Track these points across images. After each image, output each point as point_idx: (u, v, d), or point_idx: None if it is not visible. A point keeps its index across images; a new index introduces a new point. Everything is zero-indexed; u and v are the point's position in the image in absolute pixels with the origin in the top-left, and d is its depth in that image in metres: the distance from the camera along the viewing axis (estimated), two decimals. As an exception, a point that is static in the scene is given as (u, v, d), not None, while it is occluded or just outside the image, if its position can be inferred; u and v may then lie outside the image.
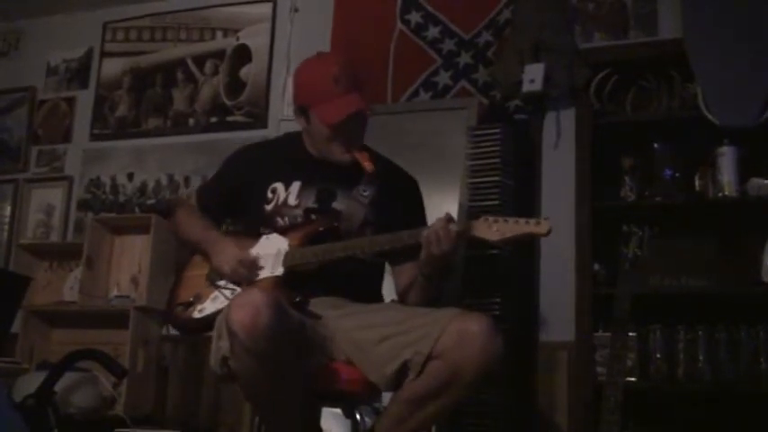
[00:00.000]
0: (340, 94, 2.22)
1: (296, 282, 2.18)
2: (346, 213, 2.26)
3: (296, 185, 2.31)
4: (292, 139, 2.47)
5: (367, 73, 3.76)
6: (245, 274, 2.21)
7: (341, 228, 2.23)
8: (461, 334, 1.90)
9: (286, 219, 2.29)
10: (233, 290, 2.22)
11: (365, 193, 2.28)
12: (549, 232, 1.95)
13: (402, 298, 2.28)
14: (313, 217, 2.27)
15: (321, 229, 2.22)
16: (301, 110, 2.31)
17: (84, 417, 3.36)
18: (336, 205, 2.28)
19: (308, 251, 2.19)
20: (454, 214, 2.10)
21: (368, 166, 2.23)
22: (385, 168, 2.33)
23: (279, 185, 2.32)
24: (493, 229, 1.98)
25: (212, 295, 2.25)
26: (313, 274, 2.19)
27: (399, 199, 2.34)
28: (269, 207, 2.31)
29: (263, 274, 2.21)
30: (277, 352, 1.88)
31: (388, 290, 2.39)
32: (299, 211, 2.28)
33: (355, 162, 2.26)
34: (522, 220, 1.98)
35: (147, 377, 3.85)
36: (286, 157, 2.40)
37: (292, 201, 2.30)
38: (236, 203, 2.41)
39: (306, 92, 2.30)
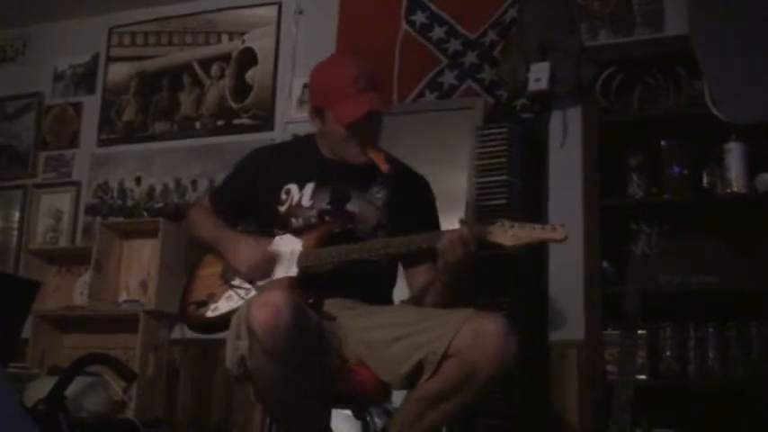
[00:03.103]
0: (357, 93, 2.22)
1: (309, 283, 2.18)
2: (360, 215, 2.26)
3: (309, 187, 2.31)
4: (306, 141, 2.47)
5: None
6: (263, 272, 2.21)
7: (355, 230, 2.23)
8: (476, 334, 1.90)
9: (300, 220, 2.29)
10: (247, 289, 2.22)
11: (378, 195, 2.28)
12: (565, 239, 1.96)
13: (416, 301, 2.28)
14: (327, 219, 2.27)
15: (336, 230, 2.23)
16: (317, 110, 2.31)
17: (95, 421, 3.37)
18: (350, 207, 2.29)
19: (322, 252, 2.19)
20: (461, 214, 2.11)
21: (384, 166, 2.24)
22: (398, 170, 2.33)
23: (293, 187, 2.32)
24: (509, 234, 1.99)
25: (226, 294, 2.25)
26: (326, 276, 2.19)
27: (412, 201, 2.34)
28: (283, 208, 2.31)
29: (278, 274, 2.21)
30: (295, 352, 1.88)
31: (400, 293, 2.39)
32: (312, 213, 2.28)
33: (370, 163, 2.26)
34: (538, 226, 1.99)
35: (157, 381, 3.86)
36: (300, 159, 2.40)
37: (306, 202, 2.30)
38: (249, 205, 2.42)
39: (323, 92, 2.30)
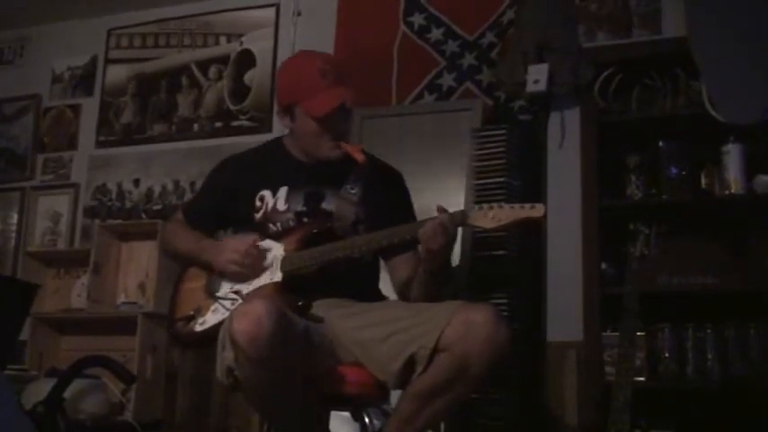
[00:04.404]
0: (327, 86, 2.22)
1: (295, 286, 2.18)
2: (337, 213, 2.26)
3: (283, 191, 2.30)
4: (274, 145, 2.47)
5: (371, 75, 3.80)
6: (252, 265, 2.19)
7: (334, 227, 2.23)
8: (466, 325, 1.91)
9: (278, 224, 2.28)
10: (233, 300, 2.21)
11: (353, 191, 2.28)
12: (544, 216, 1.98)
13: (402, 293, 2.28)
14: (305, 220, 2.26)
15: (315, 230, 2.22)
16: (286, 109, 2.30)
17: (94, 423, 3.37)
18: (326, 206, 2.28)
19: (304, 254, 2.19)
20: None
21: (359, 156, 2.23)
22: (370, 164, 2.33)
23: (266, 193, 2.32)
24: (489, 217, 2.00)
25: (212, 307, 2.24)
26: (312, 277, 2.19)
27: (387, 194, 2.35)
28: (259, 215, 2.31)
29: (262, 281, 2.21)
30: (281, 360, 1.88)
31: (386, 288, 2.40)
32: (289, 216, 2.28)
33: (343, 158, 2.25)
34: (517, 206, 2.01)
35: (155, 383, 3.85)
36: (270, 164, 2.39)
37: (281, 206, 2.29)
38: (224, 215, 2.41)
39: (291, 89, 2.29)
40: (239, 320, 1.86)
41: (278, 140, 2.45)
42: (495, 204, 2.02)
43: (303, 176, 2.31)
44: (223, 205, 2.40)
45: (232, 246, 2.23)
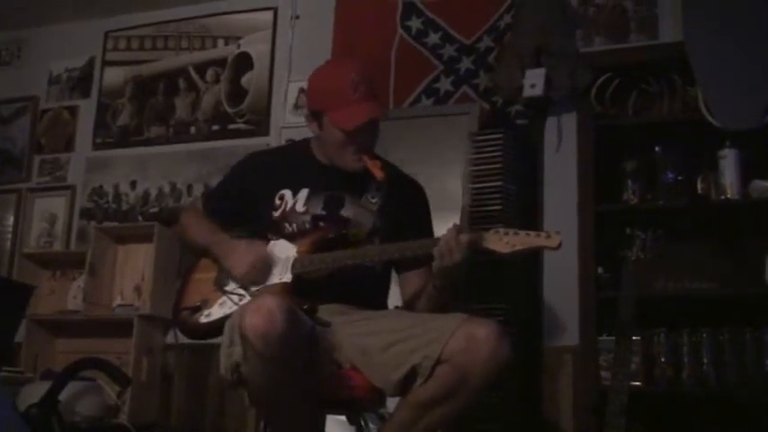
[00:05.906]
0: (357, 100, 2.21)
1: (303, 288, 2.17)
2: (354, 221, 2.26)
3: (304, 192, 2.30)
4: (300, 146, 2.47)
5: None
6: (259, 277, 2.20)
7: (349, 235, 2.23)
8: (469, 339, 1.90)
9: (294, 225, 2.28)
10: (241, 295, 2.21)
11: (373, 201, 2.28)
12: (559, 246, 1.95)
13: (409, 306, 2.28)
14: (321, 224, 2.26)
15: (330, 236, 2.22)
16: (315, 114, 2.30)
17: (89, 425, 3.35)
18: (344, 212, 2.28)
19: (316, 258, 2.18)
20: (456, 220, 2.10)
21: (378, 174, 2.22)
22: (393, 176, 2.33)
23: (287, 192, 2.31)
24: (503, 241, 1.99)
25: (220, 300, 2.24)
26: (320, 281, 2.18)
27: (407, 206, 2.34)
28: (276, 213, 2.30)
29: (272, 280, 2.20)
30: (290, 358, 1.87)
31: (394, 298, 2.39)
32: (306, 218, 2.27)
33: (366, 170, 2.26)
34: (532, 233, 1.98)
35: (150, 385, 3.85)
36: (294, 165, 2.39)
37: (300, 207, 2.29)
38: (243, 210, 2.40)
39: (322, 96, 2.28)
40: (251, 315, 1.85)
41: (305, 142, 2.45)
42: (510, 230, 2.00)
43: (325, 180, 2.31)
44: (242, 199, 2.39)
45: (242, 253, 2.22)
